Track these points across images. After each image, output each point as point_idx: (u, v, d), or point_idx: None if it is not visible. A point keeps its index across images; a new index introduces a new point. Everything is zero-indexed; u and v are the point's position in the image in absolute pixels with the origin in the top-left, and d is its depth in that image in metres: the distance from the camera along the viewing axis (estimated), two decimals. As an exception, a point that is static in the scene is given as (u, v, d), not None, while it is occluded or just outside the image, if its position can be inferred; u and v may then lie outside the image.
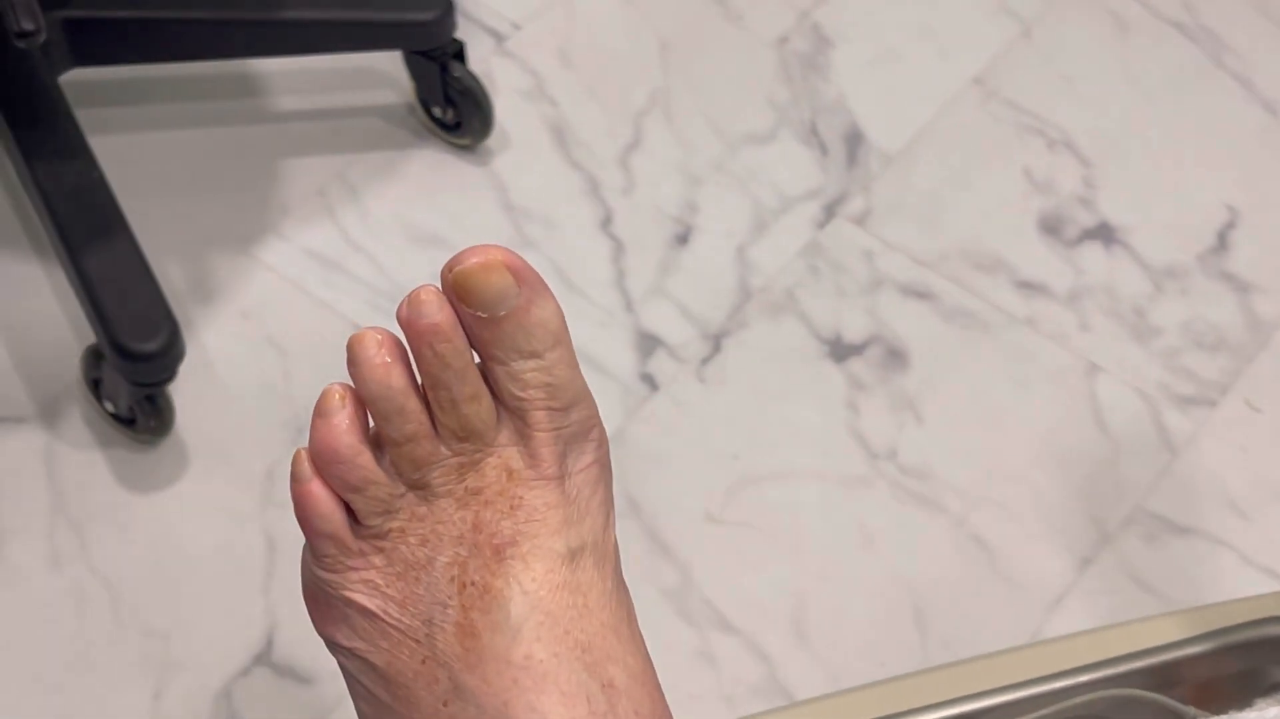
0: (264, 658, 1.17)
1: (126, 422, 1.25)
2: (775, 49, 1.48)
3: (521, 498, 0.57)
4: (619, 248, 1.37)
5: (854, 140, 1.43)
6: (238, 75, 1.45)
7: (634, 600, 1.28)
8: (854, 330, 1.33)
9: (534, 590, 0.56)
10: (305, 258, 1.35)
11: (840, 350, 1.32)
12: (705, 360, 1.31)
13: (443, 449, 0.57)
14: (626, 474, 1.25)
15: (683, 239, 1.37)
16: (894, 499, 1.25)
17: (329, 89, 1.44)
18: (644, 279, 1.35)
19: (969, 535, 1.23)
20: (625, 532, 1.22)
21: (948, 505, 1.24)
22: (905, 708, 0.83)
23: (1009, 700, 0.83)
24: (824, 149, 1.42)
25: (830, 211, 1.39)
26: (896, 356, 1.32)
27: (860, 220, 1.38)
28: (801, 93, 1.46)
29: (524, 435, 0.57)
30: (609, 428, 1.30)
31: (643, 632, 1.24)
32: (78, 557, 1.20)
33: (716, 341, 1.32)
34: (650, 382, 1.30)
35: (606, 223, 1.38)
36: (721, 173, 1.41)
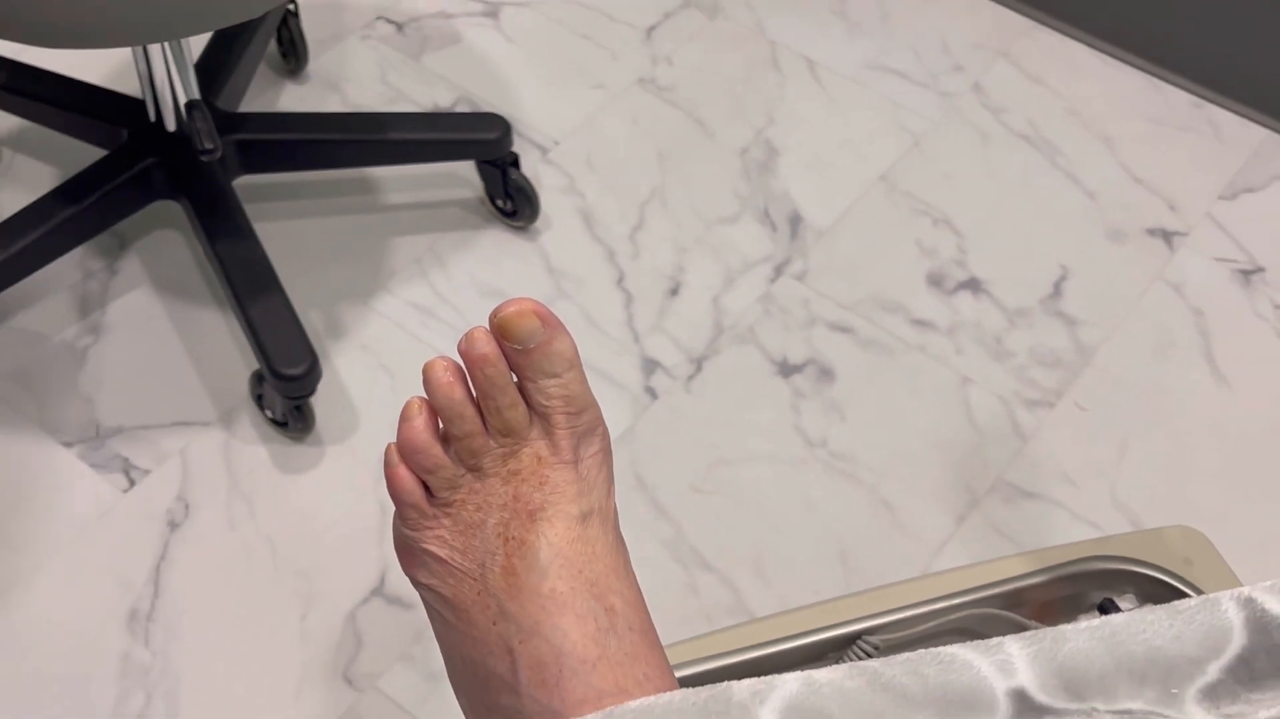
0: (379, 591, 1.17)
1: (281, 424, 1.25)
2: (739, 156, 1.49)
3: (547, 476, 0.57)
4: (629, 298, 1.37)
5: (795, 221, 1.43)
6: (360, 179, 1.45)
7: (640, 548, 1.27)
8: (796, 355, 1.33)
9: (556, 543, 0.56)
10: (407, 307, 1.35)
11: (786, 369, 1.32)
12: (691, 377, 1.31)
13: (491, 443, 0.57)
14: (635, 459, 1.25)
15: (674, 291, 1.37)
16: (826, 475, 1.24)
17: (423, 187, 1.45)
18: (647, 320, 1.35)
19: (879, 500, 1.23)
20: (633, 500, 1.22)
21: (863, 479, 1.24)
22: (834, 621, 0.83)
23: (905, 617, 0.83)
24: (774, 227, 1.43)
25: (779, 271, 1.39)
26: (826, 374, 1.31)
27: (800, 277, 1.38)
28: (757, 187, 1.46)
29: (549, 432, 0.57)
30: (623, 427, 1.31)
31: (646, 571, 1.24)
32: (247, 522, 1.20)
33: (699, 364, 1.32)
34: (652, 393, 1.30)
35: (620, 280, 1.38)
36: (701, 244, 1.41)
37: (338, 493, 1.22)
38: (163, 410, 1.27)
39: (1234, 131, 1.52)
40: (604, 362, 1.32)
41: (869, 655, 0.82)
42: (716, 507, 1.23)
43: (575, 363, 0.57)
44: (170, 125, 1.29)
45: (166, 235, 1.40)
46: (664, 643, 0.77)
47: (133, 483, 1.22)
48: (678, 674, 0.78)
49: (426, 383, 0.57)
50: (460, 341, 0.56)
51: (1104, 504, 1.23)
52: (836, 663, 0.82)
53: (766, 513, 1.22)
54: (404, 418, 0.58)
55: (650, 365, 1.32)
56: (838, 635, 0.82)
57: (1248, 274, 1.40)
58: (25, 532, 1.19)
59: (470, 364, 0.56)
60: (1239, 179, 1.48)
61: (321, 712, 1.11)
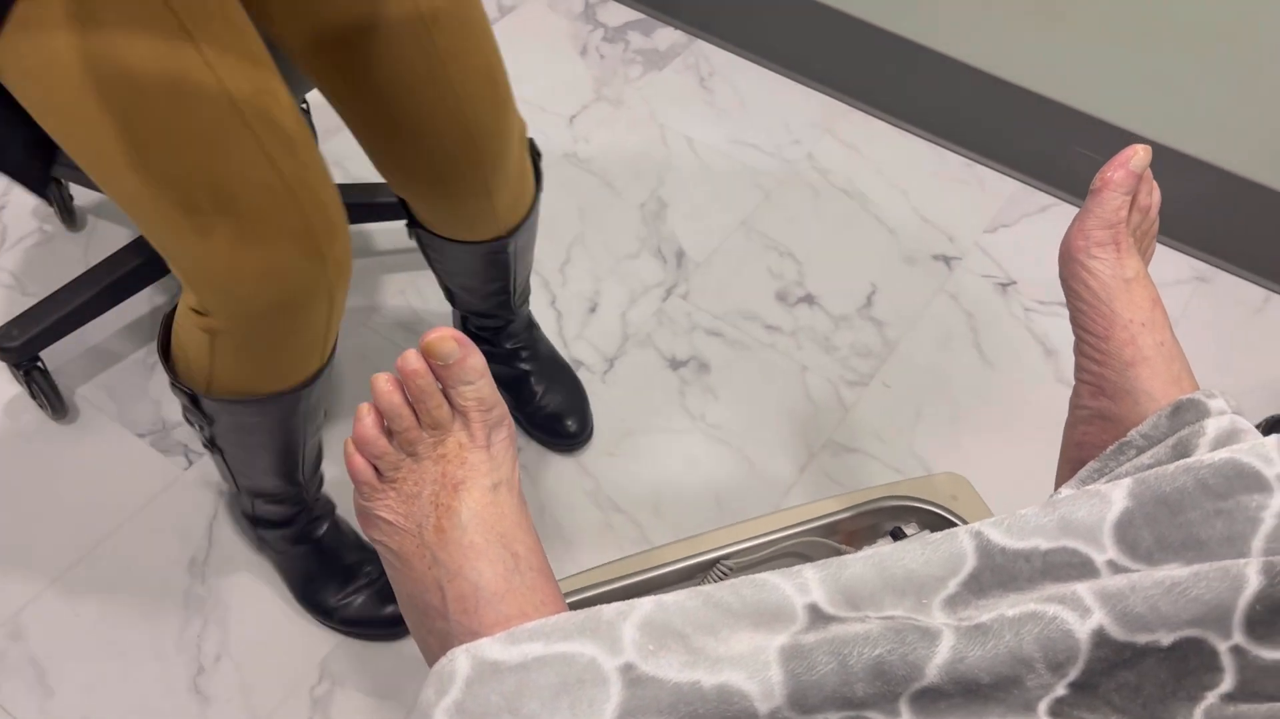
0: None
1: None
2: (639, 209, 1.47)
3: (466, 458, 0.55)
4: (560, 315, 1.35)
5: (680, 255, 1.42)
6: (358, 232, 1.43)
7: (568, 497, 1.24)
8: (682, 353, 1.32)
9: (474, 507, 0.54)
10: (394, 326, 1.33)
11: (675, 364, 1.31)
12: (606, 372, 1.30)
13: (424, 434, 0.56)
14: (565, 433, 1.23)
15: (593, 309, 1.36)
16: (704, 439, 1.24)
17: (404, 238, 1.42)
18: (573, 330, 1.33)
19: (743, 456, 1.22)
20: (564, 462, 1.20)
21: (731, 441, 1.24)
22: (700, 550, 0.82)
23: (751, 545, 0.83)
24: (664, 260, 1.41)
25: (668, 292, 1.38)
26: (704, 367, 1.31)
27: (684, 296, 1.38)
28: (653, 230, 1.45)
29: (466, 425, 0.56)
30: (553, 410, 1.26)
31: (573, 513, 1.22)
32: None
33: (611, 362, 1.31)
34: (577, 384, 1.28)
35: (553, 302, 1.36)
36: (612, 274, 1.40)
37: (343, 462, 1.19)
38: (213, 407, 1.24)
39: (994, 184, 1.53)
40: (541, 362, 1.30)
41: (725, 576, 0.81)
42: (625, 465, 1.21)
43: (485, 373, 0.55)
44: (213, 196, 1.26)
45: (215, 277, 1.36)
46: (582, 568, 0.75)
47: (191, 463, 1.19)
48: (582, 598, 0.77)
49: (373, 392, 0.56)
50: (398, 360, 0.55)
51: (904, 455, 1.24)
52: (702, 583, 0.81)
53: (661, 468, 1.21)
54: (357, 418, 0.56)
55: (576, 364, 1.30)
56: (702, 561, 0.81)
57: (1005, 286, 1.41)
58: (112, 500, 1.16)
59: (405, 377, 0.55)
60: (998, 218, 1.49)
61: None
